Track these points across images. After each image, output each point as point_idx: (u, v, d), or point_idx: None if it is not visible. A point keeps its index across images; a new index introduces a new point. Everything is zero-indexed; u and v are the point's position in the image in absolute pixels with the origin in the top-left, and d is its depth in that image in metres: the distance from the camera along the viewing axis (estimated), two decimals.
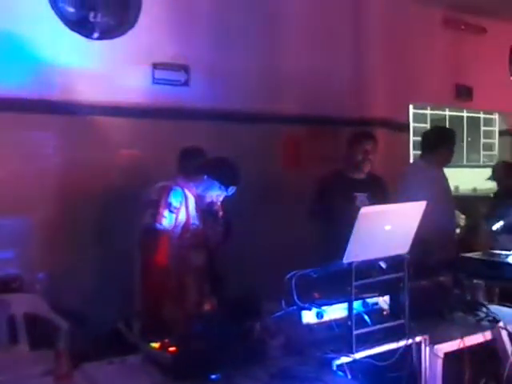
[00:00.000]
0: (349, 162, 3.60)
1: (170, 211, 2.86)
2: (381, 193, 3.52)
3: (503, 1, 5.32)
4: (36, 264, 3.66)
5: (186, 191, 2.95)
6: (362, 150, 3.52)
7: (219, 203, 2.98)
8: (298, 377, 2.04)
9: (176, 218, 2.88)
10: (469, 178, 9.63)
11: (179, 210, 2.89)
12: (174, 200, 2.88)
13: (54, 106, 3.72)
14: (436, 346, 2.39)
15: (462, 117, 11.94)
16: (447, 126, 8.53)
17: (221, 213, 3.01)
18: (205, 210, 2.98)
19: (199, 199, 2.96)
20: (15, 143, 3.60)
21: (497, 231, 3.87)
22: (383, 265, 2.53)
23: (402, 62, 5.21)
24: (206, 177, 2.94)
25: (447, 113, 11.17)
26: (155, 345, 2.24)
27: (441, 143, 3.86)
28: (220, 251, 3.14)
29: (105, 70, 3.88)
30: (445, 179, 3.97)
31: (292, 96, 4.65)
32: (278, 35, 4.60)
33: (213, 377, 2.04)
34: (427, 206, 2.24)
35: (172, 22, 4.12)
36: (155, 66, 4.07)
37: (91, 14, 3.84)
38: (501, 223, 3.86)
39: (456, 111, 10.88)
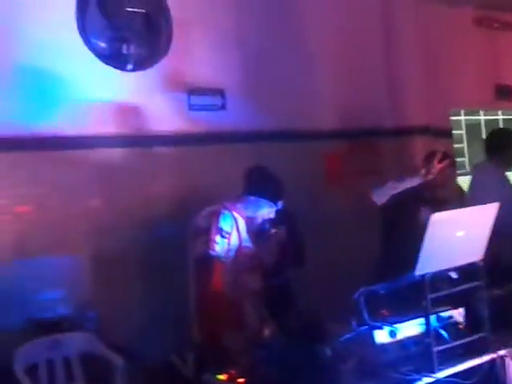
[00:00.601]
0: (425, 180, 3.39)
1: (222, 236, 2.78)
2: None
3: None
4: (86, 302, 3.59)
5: (235, 214, 2.87)
6: (437, 169, 3.33)
7: (270, 221, 2.89)
8: None
9: (228, 243, 2.79)
10: None
11: (231, 234, 2.81)
12: (225, 224, 2.81)
13: (91, 141, 3.69)
14: None
15: (497, 120, 11.62)
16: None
17: (273, 230, 2.91)
18: (256, 230, 2.88)
19: (250, 221, 2.88)
20: (56, 181, 3.57)
21: None
22: (454, 275, 2.38)
23: (438, 67, 5.08)
24: (251, 197, 2.85)
25: (482, 117, 10.89)
26: (222, 377, 2.13)
27: (507, 144, 3.86)
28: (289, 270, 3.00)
29: (140, 101, 3.86)
30: (509, 181, 3.91)
31: (328, 111, 4.57)
32: (310, 50, 4.54)
33: None
34: (500, 207, 2.09)
35: (205, 47, 4.09)
36: (190, 91, 4.03)
37: (124, 47, 3.83)
38: None
39: (491, 115, 10.60)
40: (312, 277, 3.65)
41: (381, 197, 3.31)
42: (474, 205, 2.32)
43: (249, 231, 2.88)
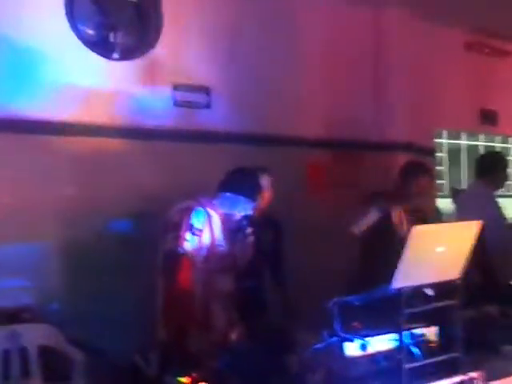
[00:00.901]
0: (400, 192, 3.39)
1: (193, 233, 2.68)
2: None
3: None
4: (49, 293, 3.47)
5: (210, 210, 2.77)
6: (416, 183, 3.34)
7: (248, 218, 2.81)
8: None
9: (200, 241, 2.70)
10: None
11: (203, 231, 2.71)
12: (197, 221, 2.70)
13: (70, 128, 3.59)
14: (492, 382, 2.16)
15: (478, 146, 11.79)
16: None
17: (250, 229, 2.82)
18: (233, 228, 2.80)
19: (226, 218, 2.78)
20: (31, 167, 3.46)
21: None
22: (430, 292, 2.33)
23: (426, 86, 5.09)
24: (228, 194, 2.78)
25: (464, 142, 11.05)
26: (184, 380, 2.04)
27: (498, 166, 4.10)
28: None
29: (124, 92, 3.77)
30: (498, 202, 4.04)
31: (314, 120, 4.55)
32: (300, 59, 4.51)
33: None
34: (488, 226, 2.06)
35: (194, 43, 4.02)
36: (176, 87, 3.95)
37: (111, 35, 3.74)
38: None
39: (472, 140, 10.79)
40: (288, 284, 3.58)
41: (360, 227, 3.28)
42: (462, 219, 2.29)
43: (224, 229, 2.79)
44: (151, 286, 2.82)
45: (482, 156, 4.56)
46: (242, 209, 2.77)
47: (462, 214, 3.47)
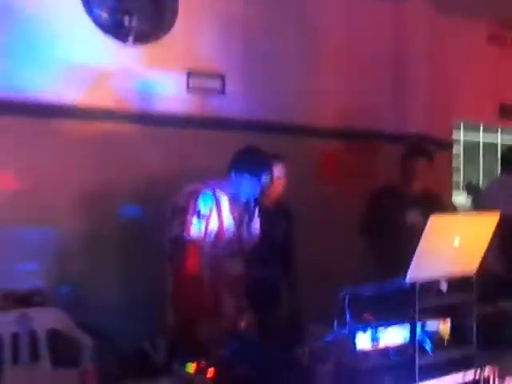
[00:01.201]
0: (401, 177, 3.42)
1: (199, 218, 2.63)
2: (436, 210, 3.28)
3: None
4: (60, 277, 3.46)
5: (219, 193, 2.71)
6: (415, 165, 3.34)
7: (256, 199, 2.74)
8: None
9: (206, 225, 2.64)
10: None
11: (210, 216, 2.65)
12: (203, 206, 2.65)
13: (81, 112, 3.56)
14: (508, 379, 2.11)
15: (496, 144, 11.64)
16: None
17: (257, 212, 2.76)
18: (240, 211, 2.74)
19: (234, 200, 2.72)
20: (40, 150, 3.43)
21: None
22: (443, 286, 2.27)
23: (446, 79, 4.99)
24: (233, 174, 2.70)
25: (481, 138, 10.88)
26: (191, 366, 2.01)
27: None
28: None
29: (137, 77, 3.73)
30: None
31: (329, 109, 4.47)
32: (316, 48, 4.44)
33: None
34: None
35: (210, 30, 3.97)
36: (190, 73, 3.90)
37: (126, 18, 3.71)
38: None
39: (490, 138, 10.65)
40: (299, 274, 3.54)
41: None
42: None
43: (232, 212, 2.74)
44: (161, 272, 2.80)
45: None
46: (249, 190, 2.69)
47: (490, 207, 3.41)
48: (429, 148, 3.82)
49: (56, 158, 3.48)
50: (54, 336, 3.11)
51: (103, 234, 3.52)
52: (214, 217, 2.66)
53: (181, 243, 2.60)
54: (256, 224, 2.75)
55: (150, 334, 2.86)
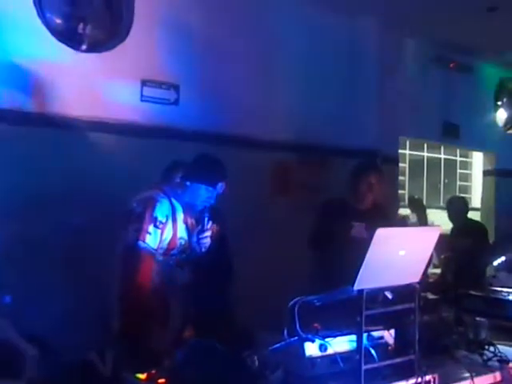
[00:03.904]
0: (353, 191, 3.50)
1: (156, 226, 2.58)
2: (382, 222, 3.38)
3: (490, 42, 5.37)
4: (1, 286, 3.36)
5: (174, 201, 2.69)
6: (366, 181, 3.43)
7: (209, 210, 2.73)
8: None
9: (161, 234, 2.62)
10: (446, 220, 9.69)
11: (166, 224, 2.63)
12: (160, 214, 2.60)
13: (34, 118, 3.52)
14: None
15: (440, 158, 12.05)
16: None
17: (210, 223, 2.74)
18: (194, 219, 2.73)
19: (188, 208, 2.71)
20: None
21: (497, 267, 3.76)
22: (389, 295, 2.35)
23: (393, 95, 5.18)
24: (188, 183, 2.69)
25: (425, 154, 11.22)
26: (141, 376, 2.00)
27: None
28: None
29: (90, 84, 3.71)
30: None
31: (283, 122, 4.57)
32: (271, 60, 4.54)
33: None
34: None
35: (165, 40, 3.99)
36: (144, 82, 3.90)
37: (80, 26, 3.68)
38: (502, 259, 3.76)
39: (433, 153, 11.00)
40: (248, 284, 3.57)
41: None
42: None
43: (185, 220, 2.73)
44: (108, 280, 2.75)
45: None
46: (204, 198, 2.69)
47: None
48: (378, 163, 3.92)
49: None
50: None
51: (45, 242, 3.43)
52: (169, 225, 2.63)
53: (135, 251, 2.56)
54: (207, 233, 2.73)
55: (96, 344, 2.81)
